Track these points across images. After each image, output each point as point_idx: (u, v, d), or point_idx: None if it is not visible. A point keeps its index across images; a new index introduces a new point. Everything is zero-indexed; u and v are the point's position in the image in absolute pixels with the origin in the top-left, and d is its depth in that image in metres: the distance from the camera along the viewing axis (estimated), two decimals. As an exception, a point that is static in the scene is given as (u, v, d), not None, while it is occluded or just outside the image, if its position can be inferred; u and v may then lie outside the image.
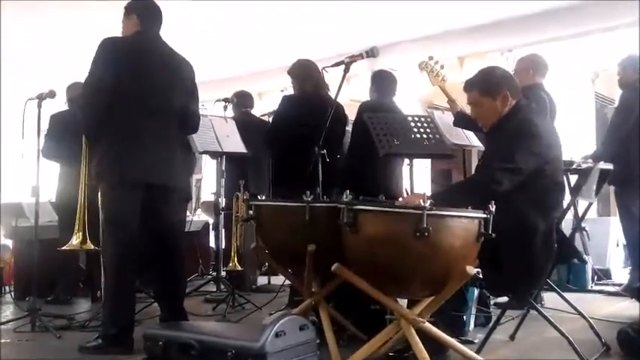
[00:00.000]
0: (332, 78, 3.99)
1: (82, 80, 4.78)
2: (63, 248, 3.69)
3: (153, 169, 3.08)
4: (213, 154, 4.76)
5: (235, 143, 4.71)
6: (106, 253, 3.09)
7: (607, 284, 5.24)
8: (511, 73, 3.21)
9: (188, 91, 3.29)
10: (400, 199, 2.77)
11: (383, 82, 4.53)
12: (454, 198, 2.61)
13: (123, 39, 3.17)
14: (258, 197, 2.98)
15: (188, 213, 5.74)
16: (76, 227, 3.56)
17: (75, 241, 3.55)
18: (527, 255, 2.68)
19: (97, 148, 3.16)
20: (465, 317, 3.26)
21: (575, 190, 2.93)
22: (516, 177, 2.63)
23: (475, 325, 3.39)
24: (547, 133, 2.82)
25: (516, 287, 2.83)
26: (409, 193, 3.70)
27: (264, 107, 6.34)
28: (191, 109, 3.32)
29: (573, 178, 3.10)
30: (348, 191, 2.42)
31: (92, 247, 3.59)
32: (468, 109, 3.59)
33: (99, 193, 3.22)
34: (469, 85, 2.96)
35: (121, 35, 3.23)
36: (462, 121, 3.79)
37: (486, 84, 2.90)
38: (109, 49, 3.05)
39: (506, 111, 2.87)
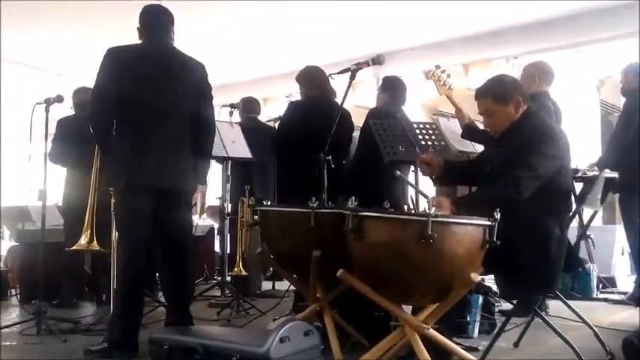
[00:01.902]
0: (338, 85, 4.00)
1: (89, 85, 4.88)
2: (72, 249, 3.71)
3: (161, 175, 3.11)
4: (219, 159, 4.77)
5: (241, 148, 4.73)
6: (119, 257, 3.13)
7: (612, 292, 5.21)
8: (519, 80, 3.22)
9: (198, 93, 3.29)
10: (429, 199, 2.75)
11: (394, 88, 4.52)
12: (477, 207, 2.62)
13: (127, 47, 3.21)
14: (264, 202, 2.98)
15: (194, 217, 5.76)
16: (85, 226, 3.59)
17: (83, 240, 3.58)
18: (543, 260, 2.68)
19: (107, 155, 3.23)
20: (469, 324, 3.26)
21: (581, 198, 2.94)
22: (537, 183, 2.65)
23: (479, 332, 3.39)
24: (563, 137, 2.84)
25: (532, 293, 2.83)
26: (414, 200, 3.71)
27: (270, 113, 6.36)
28: (202, 111, 3.32)
29: (578, 186, 3.10)
30: (353, 197, 2.43)
31: (98, 247, 3.61)
32: (474, 116, 3.60)
33: (111, 199, 3.28)
34: (480, 94, 2.94)
35: (126, 44, 3.26)
36: (470, 134, 3.77)
37: (498, 91, 2.90)
38: (112, 58, 3.11)
39: (519, 116, 2.88)
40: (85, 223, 3.65)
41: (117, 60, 3.11)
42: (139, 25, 3.28)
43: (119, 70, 3.09)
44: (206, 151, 3.43)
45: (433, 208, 2.23)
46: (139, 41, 3.29)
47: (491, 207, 2.31)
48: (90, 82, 4.89)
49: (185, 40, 3.32)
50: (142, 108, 3.11)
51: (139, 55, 3.19)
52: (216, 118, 4.82)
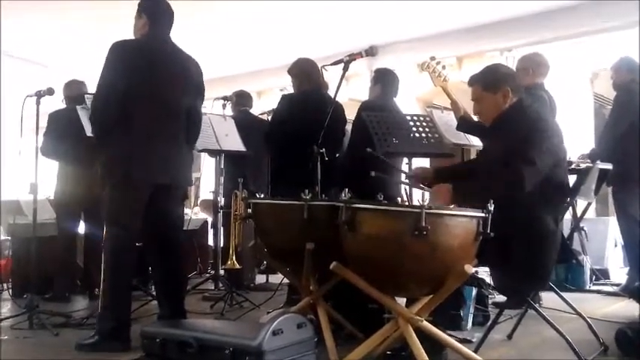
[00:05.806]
0: (331, 77, 3.98)
1: (80, 78, 4.85)
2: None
3: (159, 170, 3.11)
4: (212, 153, 4.76)
5: (234, 142, 4.71)
6: (106, 250, 3.10)
7: (605, 284, 5.24)
8: (514, 71, 3.24)
9: (195, 90, 3.31)
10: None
11: (387, 80, 4.50)
12: (475, 194, 2.60)
13: (132, 42, 3.18)
14: (257, 195, 2.97)
15: (187, 211, 5.75)
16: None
17: None
18: (539, 255, 2.68)
19: (105, 148, 3.18)
20: (463, 316, 3.26)
21: (574, 190, 2.94)
22: (538, 177, 2.67)
23: (473, 324, 3.40)
24: (557, 130, 2.86)
25: (526, 286, 2.84)
26: (407, 192, 3.70)
27: (263, 106, 6.34)
28: (196, 108, 3.36)
29: (572, 178, 3.10)
30: (346, 190, 2.41)
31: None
32: (469, 109, 3.59)
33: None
34: (472, 80, 3.02)
35: (130, 38, 3.23)
36: (465, 126, 3.75)
37: (488, 80, 2.96)
38: (119, 52, 3.08)
39: (507, 107, 2.91)
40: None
41: (124, 55, 3.08)
42: (142, 14, 3.21)
43: (125, 65, 3.06)
44: (193, 147, 3.50)
45: (427, 199, 2.22)
46: (132, 26, 3.24)
47: (489, 197, 2.30)
48: (80, 74, 4.90)
49: (179, 32, 3.29)
50: (145, 103, 3.09)
51: (145, 51, 3.16)
52: (209, 111, 4.83)
